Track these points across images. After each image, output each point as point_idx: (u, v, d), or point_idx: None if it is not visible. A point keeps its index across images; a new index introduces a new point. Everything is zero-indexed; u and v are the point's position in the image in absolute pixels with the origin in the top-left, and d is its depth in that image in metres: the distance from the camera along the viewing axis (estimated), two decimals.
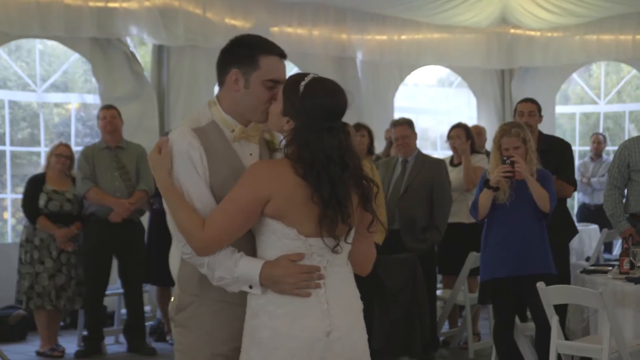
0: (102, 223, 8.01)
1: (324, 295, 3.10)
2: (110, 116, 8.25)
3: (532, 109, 7.34)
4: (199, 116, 3.31)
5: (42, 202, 7.97)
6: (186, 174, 3.17)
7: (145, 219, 8.57)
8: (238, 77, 3.25)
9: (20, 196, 8.64)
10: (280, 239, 3.10)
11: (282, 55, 3.31)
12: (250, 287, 3.11)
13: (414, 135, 7.89)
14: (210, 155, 3.20)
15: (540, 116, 7.44)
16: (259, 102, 3.23)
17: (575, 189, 7.54)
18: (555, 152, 7.23)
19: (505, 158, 6.11)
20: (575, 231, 7.54)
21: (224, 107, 3.30)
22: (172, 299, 3.40)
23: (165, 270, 6.71)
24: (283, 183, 3.06)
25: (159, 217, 8.25)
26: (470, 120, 12.17)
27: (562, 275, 6.67)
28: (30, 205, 8.01)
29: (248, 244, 3.17)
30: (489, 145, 10.05)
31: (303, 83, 3.10)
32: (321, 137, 3.06)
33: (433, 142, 13.58)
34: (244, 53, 3.25)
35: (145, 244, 8.38)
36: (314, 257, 3.11)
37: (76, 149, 9.82)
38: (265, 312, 3.11)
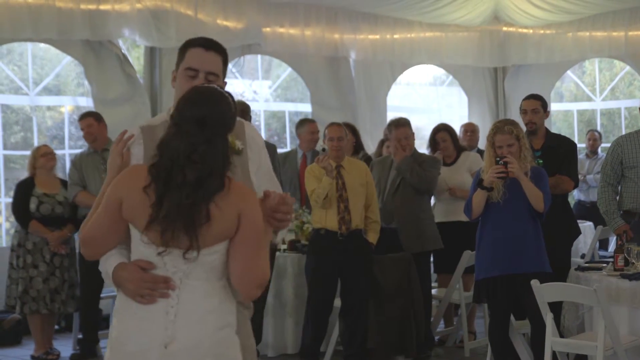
0: None
1: (174, 307, 3.01)
2: (86, 126, 8.13)
3: (535, 106, 7.21)
4: (156, 117, 3.40)
5: (33, 205, 7.94)
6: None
7: None
8: (175, 75, 3.35)
9: None
10: (136, 245, 3.06)
11: (207, 46, 3.30)
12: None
13: (413, 135, 7.90)
14: (150, 152, 3.20)
15: (546, 112, 7.36)
16: (181, 94, 3.14)
17: (576, 186, 7.52)
18: (561, 151, 7.21)
19: (498, 159, 6.09)
20: (578, 232, 7.56)
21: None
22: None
23: None
24: (134, 186, 2.99)
25: None
26: (462, 118, 12.15)
27: (564, 273, 6.65)
28: (21, 209, 7.98)
29: None
30: (481, 144, 10.08)
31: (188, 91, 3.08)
32: (169, 138, 2.97)
33: (426, 141, 13.49)
34: (179, 52, 3.35)
35: None
36: (167, 267, 3.03)
37: (70, 152, 9.85)
38: (119, 312, 3.11)
